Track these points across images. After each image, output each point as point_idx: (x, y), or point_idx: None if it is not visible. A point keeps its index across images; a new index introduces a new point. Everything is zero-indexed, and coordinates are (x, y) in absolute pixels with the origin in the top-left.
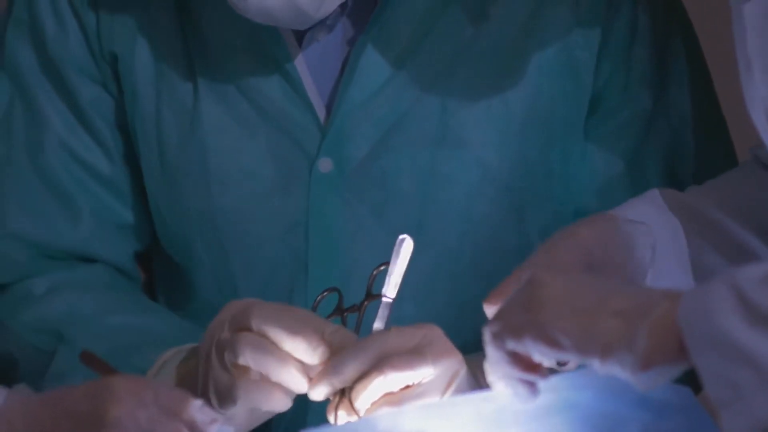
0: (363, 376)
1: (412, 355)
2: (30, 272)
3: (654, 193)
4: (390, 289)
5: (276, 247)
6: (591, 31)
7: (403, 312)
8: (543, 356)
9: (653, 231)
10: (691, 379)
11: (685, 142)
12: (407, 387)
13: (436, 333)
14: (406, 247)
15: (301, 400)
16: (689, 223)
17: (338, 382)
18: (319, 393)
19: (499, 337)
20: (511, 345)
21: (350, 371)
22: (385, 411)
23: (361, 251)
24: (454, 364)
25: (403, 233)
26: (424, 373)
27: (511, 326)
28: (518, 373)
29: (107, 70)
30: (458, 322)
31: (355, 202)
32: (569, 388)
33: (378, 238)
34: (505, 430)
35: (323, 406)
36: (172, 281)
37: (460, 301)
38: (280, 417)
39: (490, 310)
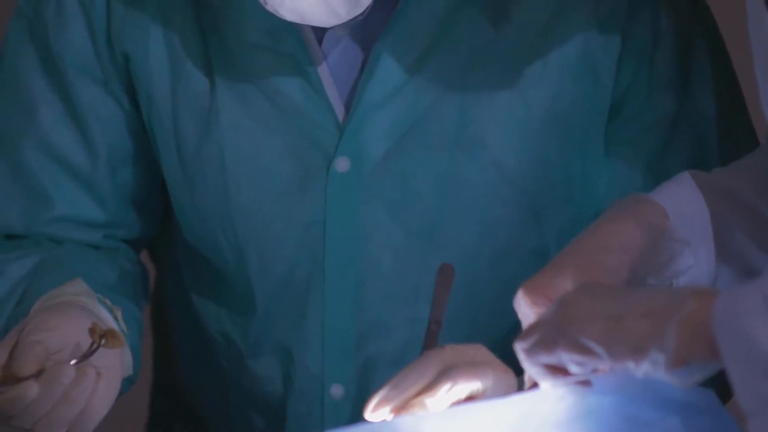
0: (429, 387)
1: (476, 366)
2: None
3: (685, 176)
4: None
5: (293, 246)
6: (611, 34)
7: (418, 313)
8: (578, 366)
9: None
10: (713, 383)
11: (709, 144)
12: (470, 399)
13: (484, 350)
14: (449, 274)
15: (317, 402)
16: (718, 204)
17: (401, 399)
18: (382, 414)
19: (532, 353)
20: (545, 359)
21: (414, 385)
22: (407, 414)
23: (378, 251)
24: (509, 377)
25: (420, 234)
26: (486, 384)
27: (542, 341)
28: (561, 380)
29: (112, 71)
30: (475, 324)
31: (373, 202)
32: (592, 393)
33: (395, 238)
34: None
35: (337, 406)
36: (201, 271)
37: (477, 303)
38: (295, 416)
39: (527, 308)
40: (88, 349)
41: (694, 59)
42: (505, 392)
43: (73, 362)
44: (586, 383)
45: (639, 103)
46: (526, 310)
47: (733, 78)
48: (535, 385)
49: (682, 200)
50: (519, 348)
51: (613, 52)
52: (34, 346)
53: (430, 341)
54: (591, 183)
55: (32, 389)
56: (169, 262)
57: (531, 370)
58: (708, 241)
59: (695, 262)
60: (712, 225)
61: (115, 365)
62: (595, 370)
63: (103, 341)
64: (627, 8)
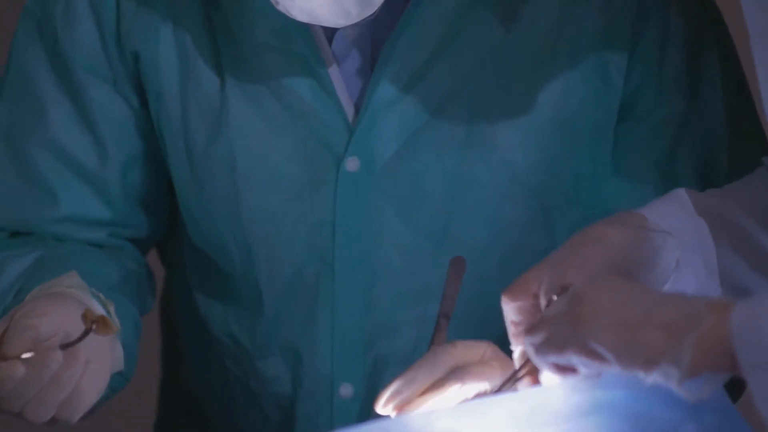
0: (437, 384)
1: (485, 365)
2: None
3: (680, 194)
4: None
5: (302, 246)
6: (621, 34)
7: (428, 313)
8: (587, 368)
9: (680, 239)
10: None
11: (718, 144)
12: (476, 397)
13: (494, 347)
14: (460, 267)
15: (326, 401)
16: (714, 228)
17: (411, 393)
18: (392, 409)
19: (541, 351)
20: (554, 359)
21: (425, 381)
22: (417, 411)
23: (388, 251)
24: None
25: (430, 234)
26: (494, 383)
27: (552, 340)
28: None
29: (121, 71)
30: (484, 324)
31: (382, 202)
32: (602, 388)
33: (405, 238)
34: (539, 430)
35: (346, 406)
36: (207, 272)
37: (486, 303)
38: (305, 416)
39: (508, 305)
40: (82, 333)
41: (703, 59)
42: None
43: (62, 344)
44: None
45: (648, 103)
46: (506, 306)
47: (742, 79)
48: (522, 366)
49: (669, 218)
50: (528, 342)
51: (623, 53)
52: (25, 330)
53: (439, 335)
54: (600, 183)
55: (19, 369)
56: (176, 264)
57: (539, 365)
58: (698, 255)
59: (684, 276)
60: (703, 241)
61: (104, 354)
62: None
63: (94, 326)
64: (637, 9)
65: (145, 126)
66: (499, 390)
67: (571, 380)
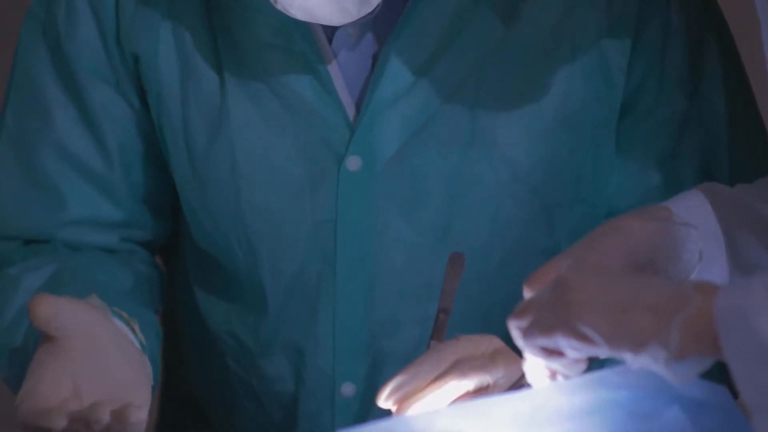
0: (439, 378)
1: (487, 359)
2: (14, 259)
3: (705, 188)
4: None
5: (304, 245)
6: (623, 33)
7: (429, 311)
8: (575, 351)
9: (704, 232)
10: (727, 379)
11: (720, 143)
12: (478, 391)
13: (498, 341)
14: (459, 262)
15: (328, 400)
16: (733, 215)
17: (413, 388)
18: (393, 403)
19: (529, 335)
20: (542, 342)
21: (427, 375)
22: (420, 411)
23: (390, 250)
24: (520, 370)
25: (431, 232)
26: (496, 376)
27: (540, 323)
28: (556, 364)
29: (122, 72)
30: (486, 323)
31: (384, 200)
32: (605, 388)
33: (406, 236)
34: (541, 429)
35: (348, 404)
36: (209, 271)
37: (488, 302)
38: (306, 415)
39: (529, 294)
40: None
41: (705, 58)
42: (516, 383)
43: None
44: (581, 362)
45: (650, 102)
46: (527, 295)
47: (744, 77)
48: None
49: (693, 212)
50: (513, 326)
51: (625, 51)
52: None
53: (438, 330)
54: (602, 181)
55: (61, 422)
56: (177, 263)
57: (526, 349)
58: (720, 252)
59: (709, 270)
60: (724, 236)
61: (147, 395)
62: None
63: None
64: (638, 7)
65: (148, 126)
66: (519, 381)
67: (572, 380)
